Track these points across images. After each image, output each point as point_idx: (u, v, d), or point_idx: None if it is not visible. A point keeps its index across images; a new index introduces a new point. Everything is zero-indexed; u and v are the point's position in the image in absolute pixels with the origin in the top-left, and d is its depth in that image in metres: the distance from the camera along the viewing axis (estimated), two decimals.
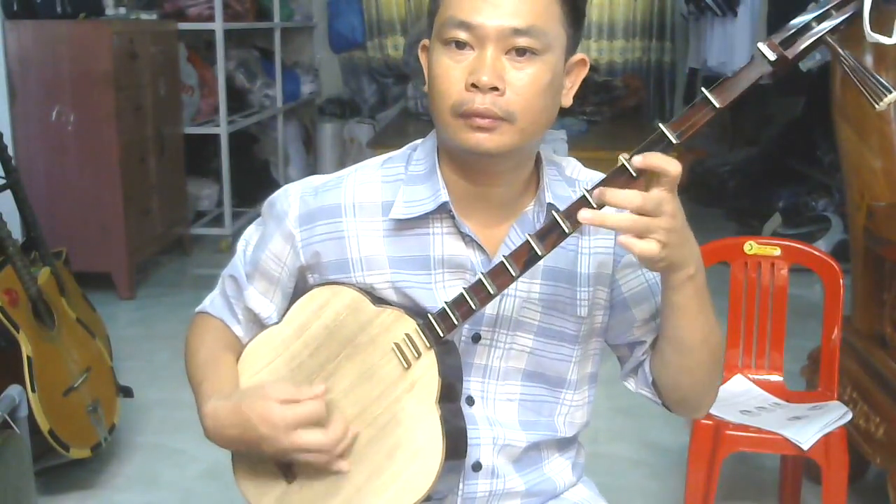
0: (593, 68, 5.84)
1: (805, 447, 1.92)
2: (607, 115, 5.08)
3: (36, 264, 2.62)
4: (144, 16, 4.45)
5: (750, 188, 5.42)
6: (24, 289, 2.40)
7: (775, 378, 2.19)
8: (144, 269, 4.37)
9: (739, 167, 5.77)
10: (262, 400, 1.06)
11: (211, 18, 4.78)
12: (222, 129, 4.83)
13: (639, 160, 0.98)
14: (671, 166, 0.97)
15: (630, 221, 0.98)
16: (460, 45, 1.05)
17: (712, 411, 2.02)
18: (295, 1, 6.17)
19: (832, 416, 1.99)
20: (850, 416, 2.01)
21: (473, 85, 1.04)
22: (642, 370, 1.21)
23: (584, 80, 1.14)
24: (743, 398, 2.12)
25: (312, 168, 6.10)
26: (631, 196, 0.97)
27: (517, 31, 1.03)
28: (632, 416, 2.91)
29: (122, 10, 4.30)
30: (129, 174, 3.99)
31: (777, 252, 2.17)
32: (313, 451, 1.06)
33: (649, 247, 0.98)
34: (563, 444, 1.26)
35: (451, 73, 1.06)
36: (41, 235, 2.71)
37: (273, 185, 1.16)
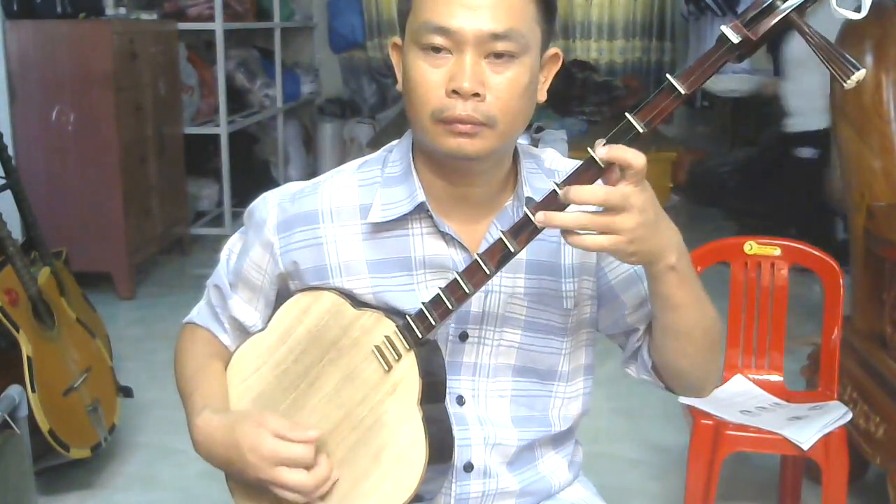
0: (593, 68, 5.85)
1: (805, 447, 1.92)
2: (607, 115, 5.08)
3: (36, 264, 2.62)
4: (144, 16, 4.46)
5: (750, 188, 5.41)
6: (24, 289, 2.40)
7: (775, 378, 2.20)
8: (144, 269, 4.37)
9: (739, 167, 5.76)
10: (256, 428, 1.07)
11: (211, 18, 4.78)
12: (222, 129, 4.84)
13: (603, 152, 0.96)
14: (636, 158, 0.96)
15: (587, 219, 0.97)
16: (437, 49, 1.04)
17: (712, 411, 2.02)
18: (295, 1, 6.18)
19: (832, 416, 1.99)
20: (850, 416, 2.01)
21: (454, 91, 1.03)
22: (640, 356, 1.20)
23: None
24: (743, 398, 2.12)
25: (312, 168, 6.11)
26: (595, 191, 0.96)
27: (496, 36, 1.02)
28: (632, 416, 2.91)
29: (122, 10, 4.30)
30: (129, 174, 3.99)
31: (777, 252, 2.17)
32: (293, 491, 1.06)
33: (609, 242, 0.97)
34: (558, 441, 1.25)
35: (429, 78, 1.04)
36: (41, 235, 2.71)
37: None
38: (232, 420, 1.10)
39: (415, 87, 1.06)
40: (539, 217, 0.98)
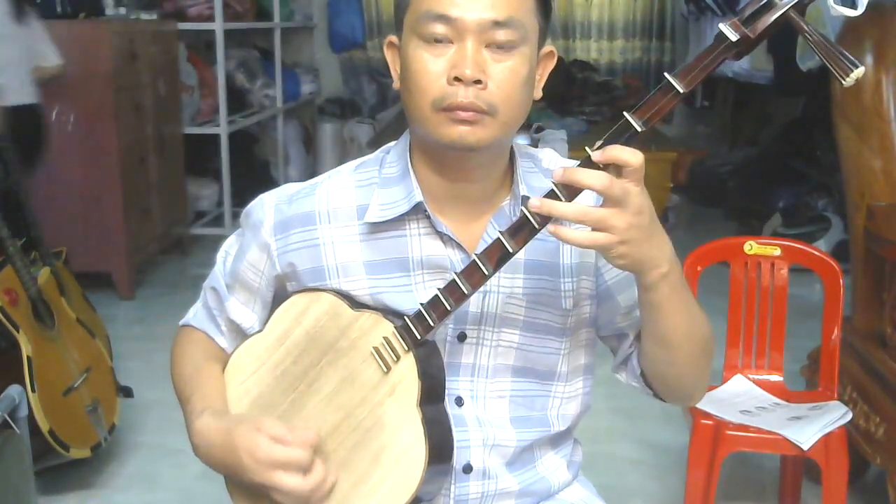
0: (593, 68, 5.85)
1: (805, 447, 1.92)
2: (607, 115, 5.08)
3: (36, 264, 2.62)
4: (144, 16, 4.45)
5: (750, 188, 5.42)
6: (24, 289, 2.40)
7: (775, 378, 2.19)
8: (144, 269, 4.37)
9: (739, 167, 5.77)
10: (253, 431, 1.06)
11: (211, 18, 4.78)
12: (222, 129, 4.84)
13: (598, 154, 0.96)
14: (634, 157, 0.95)
15: (582, 212, 0.97)
16: (438, 39, 1.04)
17: (712, 411, 2.02)
18: (295, 1, 6.18)
19: (832, 416, 1.99)
20: (850, 416, 2.01)
21: (456, 78, 1.02)
22: (630, 363, 1.20)
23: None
24: (743, 398, 2.12)
25: (312, 168, 6.10)
26: (598, 176, 0.95)
27: (497, 24, 1.03)
28: (632, 416, 2.91)
29: (122, 10, 4.30)
30: (129, 174, 3.99)
31: (777, 252, 2.17)
32: (289, 494, 1.06)
33: (603, 238, 0.96)
34: (557, 441, 1.25)
35: (430, 67, 1.04)
36: (41, 235, 2.71)
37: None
38: (230, 423, 1.09)
39: (415, 78, 1.05)
40: (535, 203, 0.97)
